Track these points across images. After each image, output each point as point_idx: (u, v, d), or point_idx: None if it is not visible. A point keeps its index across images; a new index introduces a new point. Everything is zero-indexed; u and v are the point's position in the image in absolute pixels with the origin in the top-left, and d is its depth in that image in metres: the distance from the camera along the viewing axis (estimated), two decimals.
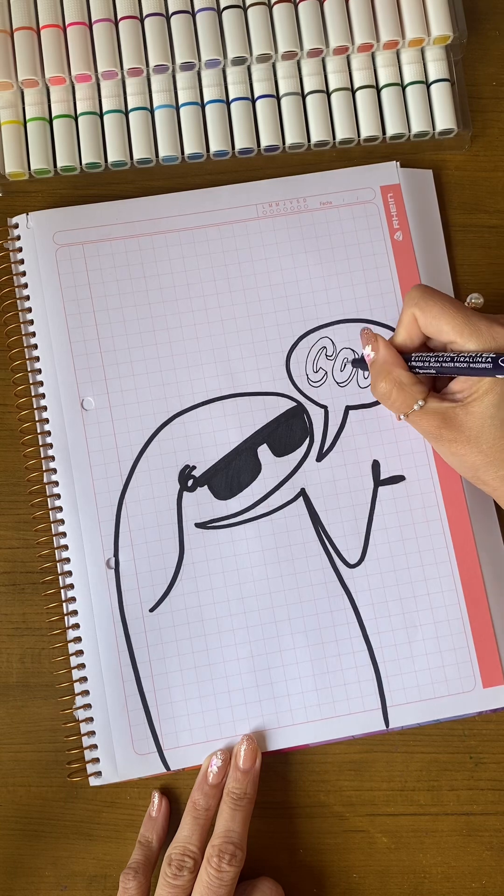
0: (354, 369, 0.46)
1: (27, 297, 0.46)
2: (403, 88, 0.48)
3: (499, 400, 0.38)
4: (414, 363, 0.40)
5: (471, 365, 0.37)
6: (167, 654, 0.43)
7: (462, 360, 0.38)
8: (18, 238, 0.46)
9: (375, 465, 0.45)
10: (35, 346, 0.45)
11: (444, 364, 0.38)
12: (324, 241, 0.47)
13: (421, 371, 0.40)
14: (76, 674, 0.43)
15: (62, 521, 0.44)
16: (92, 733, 0.42)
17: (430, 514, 0.45)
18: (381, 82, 0.48)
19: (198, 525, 0.44)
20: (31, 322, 0.46)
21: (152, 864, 0.42)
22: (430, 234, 0.48)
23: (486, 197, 0.49)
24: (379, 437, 0.45)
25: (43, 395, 0.45)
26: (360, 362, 0.45)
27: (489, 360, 0.37)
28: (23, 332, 0.46)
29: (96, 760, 0.42)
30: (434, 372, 0.39)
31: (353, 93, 0.48)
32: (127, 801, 0.44)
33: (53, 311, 0.45)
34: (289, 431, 0.45)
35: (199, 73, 0.48)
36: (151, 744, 0.42)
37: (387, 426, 0.45)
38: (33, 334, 0.45)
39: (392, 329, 0.46)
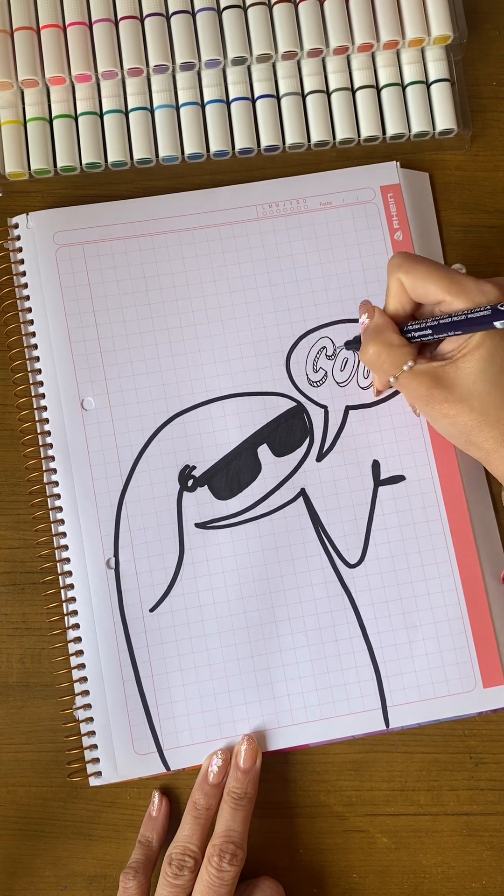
0: (354, 372, 0.46)
1: (27, 297, 0.46)
2: (403, 88, 0.48)
3: (489, 354, 0.37)
4: (410, 328, 0.40)
5: (468, 316, 0.37)
6: (167, 654, 0.43)
7: (459, 315, 0.37)
8: (18, 238, 0.46)
9: (375, 465, 0.45)
10: (35, 346, 0.45)
11: (441, 323, 0.38)
12: (324, 242, 0.47)
13: (418, 335, 0.39)
14: (76, 674, 0.43)
15: (62, 521, 0.44)
16: (92, 733, 0.42)
17: (430, 514, 0.45)
18: (382, 82, 0.48)
19: (198, 525, 0.44)
20: (31, 322, 0.46)
21: (152, 863, 0.42)
22: (431, 234, 0.48)
23: (486, 197, 0.49)
24: (379, 437, 0.45)
25: (43, 395, 0.45)
26: (353, 343, 0.45)
27: (488, 309, 0.36)
28: (23, 332, 0.46)
29: (96, 760, 0.42)
30: (431, 332, 0.39)
31: (353, 93, 0.48)
32: (127, 801, 0.44)
33: (53, 311, 0.45)
34: (289, 431, 0.45)
35: (199, 73, 0.48)
36: (151, 744, 0.42)
37: (387, 426, 0.45)
38: (33, 334, 0.45)
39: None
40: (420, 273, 0.38)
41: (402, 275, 0.39)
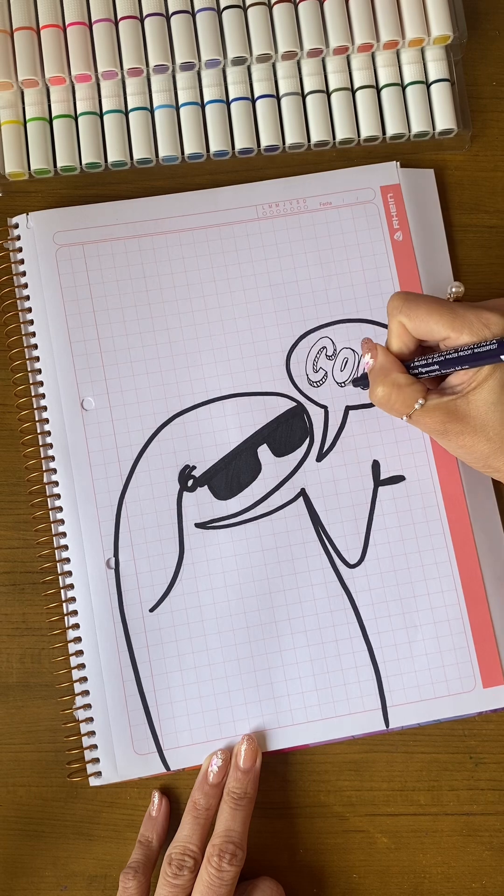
0: (355, 372, 0.46)
1: (27, 297, 0.46)
2: (403, 88, 0.48)
3: (499, 384, 0.38)
4: (417, 365, 0.40)
5: (475, 351, 0.37)
6: (167, 654, 0.43)
7: (465, 351, 0.37)
8: (18, 238, 0.46)
9: (375, 465, 0.45)
10: (35, 346, 0.45)
11: (447, 358, 0.38)
12: (324, 242, 0.47)
13: (425, 371, 0.40)
14: (76, 674, 0.43)
15: (62, 521, 0.44)
16: (92, 733, 0.42)
17: (430, 514, 0.45)
18: (381, 82, 0.48)
19: (198, 525, 0.44)
20: (31, 322, 0.46)
21: (152, 863, 0.42)
22: (431, 234, 0.48)
23: (486, 197, 0.49)
24: (379, 437, 0.45)
25: (43, 395, 0.45)
26: (360, 380, 0.45)
27: (493, 343, 0.36)
28: (23, 332, 0.46)
29: (96, 760, 0.42)
30: (439, 368, 0.39)
31: (353, 93, 0.48)
32: (127, 801, 0.44)
33: (53, 311, 0.45)
34: (289, 431, 0.45)
35: (199, 73, 0.48)
36: (151, 744, 0.42)
37: (387, 426, 0.45)
38: (33, 334, 0.45)
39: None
40: (421, 314, 0.39)
41: (404, 318, 0.39)
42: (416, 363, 0.40)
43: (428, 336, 0.39)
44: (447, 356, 0.38)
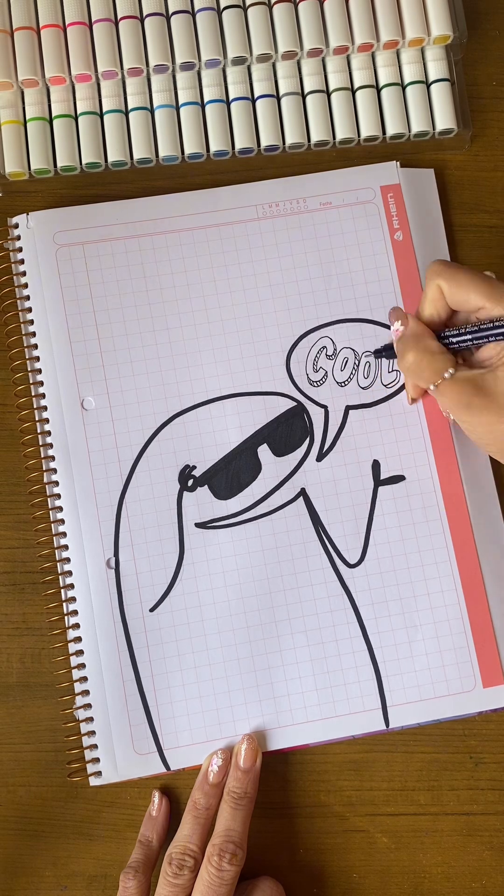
0: (355, 372, 0.46)
1: (27, 297, 0.46)
2: (403, 88, 0.48)
3: None
4: (448, 334, 0.40)
5: None
6: (167, 654, 0.43)
7: (501, 322, 0.38)
8: (18, 238, 0.46)
9: (375, 465, 0.45)
10: (35, 346, 0.45)
11: (482, 328, 0.39)
12: (324, 242, 0.47)
13: (457, 342, 0.40)
14: (76, 674, 0.43)
15: (62, 521, 0.44)
16: (92, 733, 0.42)
17: (430, 514, 0.45)
18: (381, 82, 0.48)
19: (198, 525, 0.44)
20: (31, 322, 0.46)
21: (152, 863, 0.42)
22: (431, 234, 0.48)
23: (486, 197, 0.49)
24: (379, 437, 0.45)
25: (43, 395, 0.45)
26: (383, 351, 0.45)
27: None
28: (23, 332, 0.46)
29: (96, 760, 0.42)
30: (471, 339, 0.39)
31: (353, 93, 0.48)
32: (127, 801, 0.44)
33: (53, 311, 0.45)
34: (289, 431, 0.45)
35: (199, 73, 0.48)
36: (151, 744, 0.42)
37: (387, 426, 0.45)
38: (33, 334, 0.45)
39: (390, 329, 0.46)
40: (460, 280, 0.39)
41: (443, 282, 0.39)
42: (448, 333, 0.40)
43: (463, 304, 0.40)
44: (482, 326, 0.39)
